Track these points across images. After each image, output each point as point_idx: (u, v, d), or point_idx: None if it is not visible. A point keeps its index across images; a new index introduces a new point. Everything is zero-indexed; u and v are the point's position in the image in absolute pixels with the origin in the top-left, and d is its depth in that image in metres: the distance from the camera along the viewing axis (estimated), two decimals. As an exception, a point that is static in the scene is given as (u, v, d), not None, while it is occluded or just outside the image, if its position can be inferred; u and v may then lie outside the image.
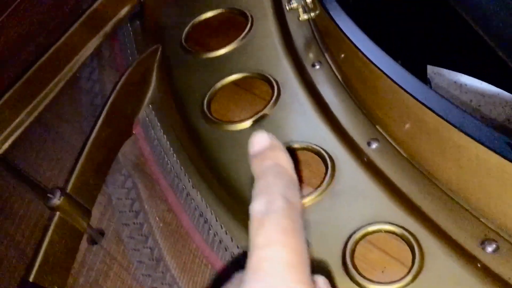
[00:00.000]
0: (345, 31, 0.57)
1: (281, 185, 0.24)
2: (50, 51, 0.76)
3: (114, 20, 0.83)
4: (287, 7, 0.69)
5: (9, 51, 0.86)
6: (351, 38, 0.56)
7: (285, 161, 0.26)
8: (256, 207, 0.23)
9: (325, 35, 0.68)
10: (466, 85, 1.06)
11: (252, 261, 0.22)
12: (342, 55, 0.64)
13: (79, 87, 0.78)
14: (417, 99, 0.48)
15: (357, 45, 0.56)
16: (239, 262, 0.52)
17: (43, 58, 0.75)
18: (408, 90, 0.49)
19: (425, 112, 0.47)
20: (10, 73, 0.80)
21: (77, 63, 0.79)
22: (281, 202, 0.23)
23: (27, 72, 0.75)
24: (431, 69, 1.02)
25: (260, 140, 0.27)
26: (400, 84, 0.50)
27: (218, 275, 0.54)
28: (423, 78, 1.01)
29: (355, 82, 0.62)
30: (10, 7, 0.93)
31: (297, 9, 0.69)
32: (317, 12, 0.67)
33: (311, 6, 0.67)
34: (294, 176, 0.26)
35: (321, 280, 0.27)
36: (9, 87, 0.74)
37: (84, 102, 0.76)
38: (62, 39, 0.77)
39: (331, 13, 0.62)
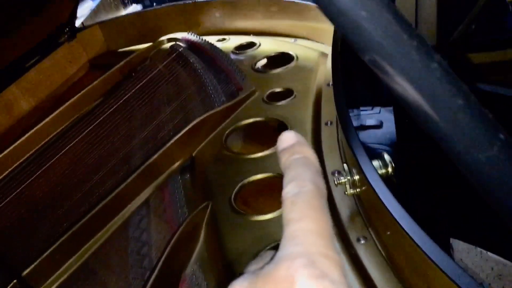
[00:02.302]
0: (396, 217, 0.62)
1: (310, 173, 0.27)
2: (107, 199, 0.80)
3: (167, 172, 0.89)
4: (335, 182, 0.75)
5: (61, 192, 0.91)
6: (403, 225, 0.60)
7: (312, 155, 0.29)
8: (289, 190, 0.26)
9: (370, 211, 0.72)
10: (487, 252, 1.09)
11: (287, 232, 0.25)
12: (388, 233, 0.67)
13: (127, 235, 0.81)
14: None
15: (410, 234, 0.60)
16: None
17: (99, 206, 0.79)
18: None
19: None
20: (61, 216, 0.84)
21: (128, 211, 0.83)
22: (310, 186, 0.26)
23: (81, 219, 0.78)
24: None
25: (288, 138, 0.30)
26: (454, 279, 0.53)
27: None
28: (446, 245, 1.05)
29: (400, 261, 0.65)
30: (65, 148, 1.00)
31: (344, 184, 0.74)
32: (364, 188, 0.72)
33: (358, 183, 0.73)
34: (320, 167, 0.29)
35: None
36: (63, 232, 0.77)
37: (131, 250, 0.78)
38: (119, 189, 0.81)
39: (379, 193, 0.67)
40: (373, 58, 0.16)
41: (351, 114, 1.36)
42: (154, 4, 2.10)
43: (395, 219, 0.62)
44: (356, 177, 0.72)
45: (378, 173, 0.69)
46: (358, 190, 0.73)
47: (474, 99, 0.16)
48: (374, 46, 0.15)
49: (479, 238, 1.00)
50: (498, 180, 0.17)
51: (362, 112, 1.37)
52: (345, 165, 0.73)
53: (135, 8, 2.11)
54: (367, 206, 0.72)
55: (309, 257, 0.23)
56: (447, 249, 1.04)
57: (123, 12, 2.05)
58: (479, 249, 1.09)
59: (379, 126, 1.28)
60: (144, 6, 2.13)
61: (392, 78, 0.15)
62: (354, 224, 0.74)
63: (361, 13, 0.15)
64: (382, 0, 0.15)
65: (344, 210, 0.75)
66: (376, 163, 0.71)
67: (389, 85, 0.16)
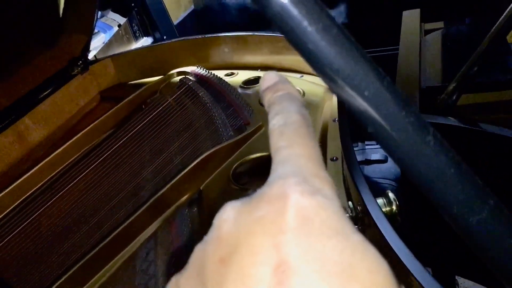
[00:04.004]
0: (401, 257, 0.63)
1: (295, 106, 0.28)
2: (115, 232, 0.81)
3: (175, 205, 0.90)
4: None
5: (70, 224, 0.92)
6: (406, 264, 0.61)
7: (295, 91, 0.30)
8: (275, 122, 0.27)
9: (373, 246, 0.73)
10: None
11: (277, 159, 0.25)
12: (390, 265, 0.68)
13: (134, 267, 0.82)
14: None
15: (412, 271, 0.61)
16: None
17: (108, 239, 0.81)
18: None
19: None
20: (70, 248, 0.85)
21: (136, 244, 0.84)
22: (296, 116, 0.27)
23: (89, 251, 0.80)
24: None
25: (271, 77, 0.31)
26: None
27: None
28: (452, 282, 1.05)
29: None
30: (74, 180, 1.03)
31: (349, 219, 0.76)
32: (368, 226, 0.74)
33: (363, 220, 0.74)
34: (303, 101, 0.29)
35: None
36: (71, 265, 0.78)
37: (138, 283, 0.79)
38: (127, 222, 0.83)
39: (383, 231, 0.69)
40: (373, 131, 0.17)
41: (356, 149, 1.39)
42: (165, 37, 2.17)
43: (399, 258, 0.63)
44: (361, 215, 0.73)
45: (383, 211, 0.70)
46: (362, 227, 0.74)
47: (465, 167, 0.18)
48: (374, 122, 0.17)
49: (484, 275, 1.00)
50: (488, 241, 0.19)
51: (367, 147, 1.38)
52: (350, 202, 0.75)
53: (146, 41, 2.17)
54: (369, 238, 0.73)
55: (300, 176, 0.23)
56: (453, 287, 1.04)
57: (135, 44, 2.11)
58: (484, 287, 1.09)
59: (384, 160, 1.30)
60: (155, 39, 2.19)
61: (391, 150, 0.17)
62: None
63: (364, 93, 0.17)
64: (382, 81, 0.17)
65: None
66: (380, 201, 0.73)
67: (389, 154, 0.18)
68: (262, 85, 0.32)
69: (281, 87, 0.30)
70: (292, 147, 0.25)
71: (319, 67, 0.17)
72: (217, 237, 0.23)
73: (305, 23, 0.16)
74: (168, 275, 0.75)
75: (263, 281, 0.20)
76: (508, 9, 0.89)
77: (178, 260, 0.80)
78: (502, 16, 0.91)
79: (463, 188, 0.18)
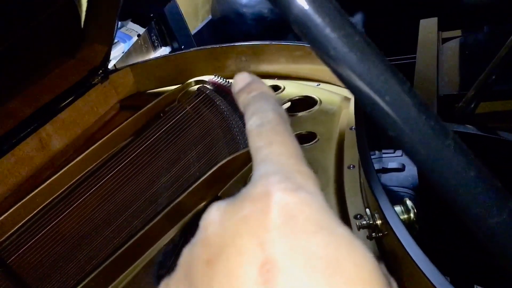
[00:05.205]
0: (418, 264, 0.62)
1: (270, 104, 0.28)
2: (134, 238, 0.83)
3: (193, 212, 0.91)
4: (357, 223, 0.76)
5: (88, 231, 0.94)
6: (425, 273, 0.61)
7: (269, 89, 0.30)
8: (252, 123, 0.27)
9: (392, 256, 0.73)
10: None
11: (257, 159, 0.25)
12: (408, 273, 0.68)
13: (152, 273, 0.83)
14: None
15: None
16: None
17: (126, 245, 0.82)
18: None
19: None
20: (89, 255, 0.87)
21: (154, 251, 0.85)
22: (273, 114, 0.27)
23: (108, 257, 0.81)
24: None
25: (243, 78, 0.31)
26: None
27: None
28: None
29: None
30: (95, 186, 1.04)
31: (367, 227, 0.76)
32: (386, 233, 0.74)
33: (380, 228, 0.74)
34: (279, 100, 0.29)
35: None
36: (90, 271, 0.79)
37: (156, 289, 0.80)
38: (146, 228, 0.84)
39: (401, 239, 0.68)
40: (395, 134, 0.18)
41: (373, 157, 1.38)
42: (183, 47, 2.20)
43: (418, 266, 0.63)
44: (378, 222, 0.73)
45: (400, 219, 0.70)
46: (380, 234, 0.74)
47: (485, 170, 0.18)
48: (395, 126, 0.18)
49: (503, 284, 0.98)
50: (508, 243, 0.19)
51: (384, 155, 1.38)
52: (367, 210, 0.75)
53: (164, 50, 2.21)
54: (389, 251, 0.73)
55: (282, 173, 0.23)
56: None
57: (153, 54, 2.14)
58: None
59: (401, 169, 1.29)
60: (173, 49, 2.22)
61: (412, 153, 0.18)
62: (376, 269, 0.74)
63: (385, 98, 0.17)
64: (403, 86, 0.18)
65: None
66: (398, 208, 0.73)
67: (409, 157, 0.19)
68: (235, 87, 0.32)
69: (254, 87, 0.30)
70: (271, 146, 0.25)
71: (340, 72, 0.18)
72: (203, 239, 0.23)
73: (327, 30, 0.17)
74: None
75: (249, 281, 0.20)
76: (527, 17, 0.89)
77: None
78: (521, 24, 0.91)
79: (483, 190, 0.18)
